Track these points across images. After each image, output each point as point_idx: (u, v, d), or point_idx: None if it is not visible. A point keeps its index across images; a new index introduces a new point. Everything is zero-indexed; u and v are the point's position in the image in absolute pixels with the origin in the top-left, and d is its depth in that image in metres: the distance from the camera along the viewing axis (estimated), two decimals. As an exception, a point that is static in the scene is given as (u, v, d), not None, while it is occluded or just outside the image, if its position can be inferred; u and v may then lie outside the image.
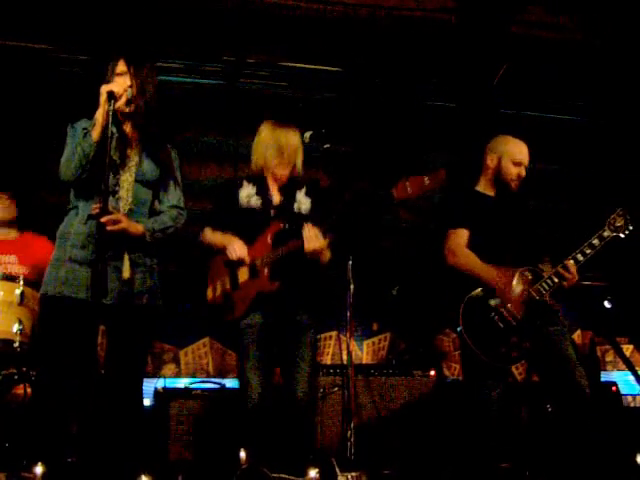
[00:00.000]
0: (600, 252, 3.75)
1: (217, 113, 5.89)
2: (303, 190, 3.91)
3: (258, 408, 3.59)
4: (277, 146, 3.83)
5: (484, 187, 4.03)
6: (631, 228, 3.74)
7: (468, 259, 3.78)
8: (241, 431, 3.77)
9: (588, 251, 3.74)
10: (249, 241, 3.76)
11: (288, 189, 3.90)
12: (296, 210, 3.85)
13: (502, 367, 3.71)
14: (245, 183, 3.89)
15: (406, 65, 5.59)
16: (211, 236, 3.88)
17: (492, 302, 3.70)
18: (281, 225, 3.73)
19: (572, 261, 3.73)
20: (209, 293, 3.88)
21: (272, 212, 3.83)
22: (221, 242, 3.81)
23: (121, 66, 3.26)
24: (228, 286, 3.79)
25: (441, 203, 4.15)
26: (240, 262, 3.73)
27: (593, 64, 5.57)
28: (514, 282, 3.73)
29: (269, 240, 3.72)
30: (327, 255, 3.73)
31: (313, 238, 3.57)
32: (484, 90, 5.91)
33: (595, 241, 3.74)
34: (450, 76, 5.82)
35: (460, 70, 5.73)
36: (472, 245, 3.82)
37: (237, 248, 3.72)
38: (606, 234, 3.75)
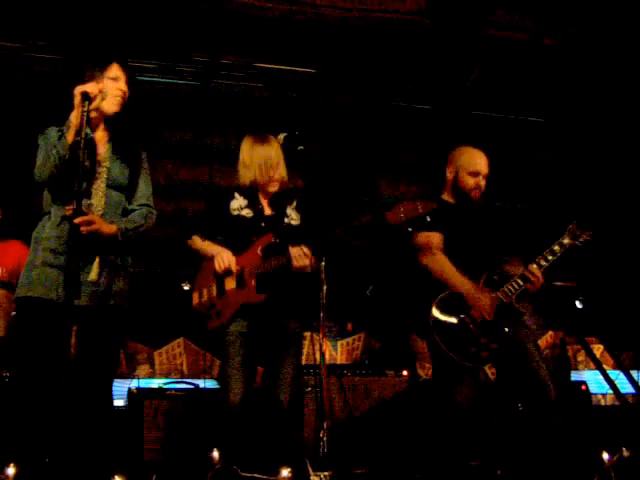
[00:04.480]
0: (568, 254, 3.83)
1: (191, 113, 5.90)
2: (293, 204, 3.98)
3: (237, 410, 3.61)
4: (259, 164, 3.87)
5: (447, 196, 4.11)
6: (587, 238, 3.83)
7: (446, 266, 3.82)
8: (216, 431, 3.78)
9: (550, 257, 3.82)
10: (238, 251, 3.79)
11: (278, 202, 3.96)
12: (286, 223, 3.91)
13: (472, 367, 3.76)
14: (236, 195, 3.92)
15: (379, 67, 5.62)
16: (200, 244, 3.92)
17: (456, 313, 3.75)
18: (272, 239, 3.77)
19: (535, 266, 3.80)
20: (195, 298, 3.90)
21: (263, 224, 3.87)
22: (210, 251, 3.85)
23: (115, 71, 3.30)
24: (214, 293, 3.81)
25: (419, 219, 4.19)
26: (228, 272, 3.76)
27: (562, 66, 5.64)
28: (482, 285, 3.79)
29: (259, 252, 3.75)
30: (314, 267, 3.75)
31: (301, 256, 3.63)
32: (459, 92, 5.96)
33: (556, 247, 3.82)
34: (425, 78, 5.86)
35: (435, 72, 5.77)
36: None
37: (225, 258, 3.75)
38: (566, 241, 3.83)
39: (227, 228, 3.89)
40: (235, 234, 3.85)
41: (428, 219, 4.00)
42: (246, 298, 3.71)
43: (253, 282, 3.71)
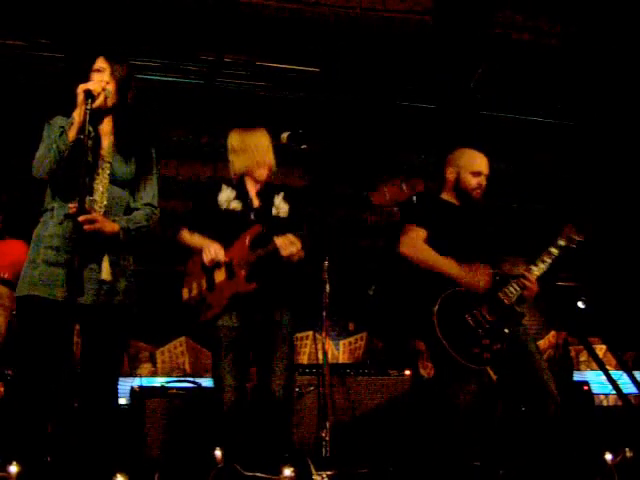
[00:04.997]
0: (570, 255, 3.86)
1: (195, 112, 5.89)
2: (281, 195, 3.96)
3: (232, 409, 3.60)
4: (248, 150, 3.89)
5: (447, 196, 4.10)
6: (580, 239, 3.89)
7: (428, 253, 3.80)
8: (216, 430, 3.78)
9: (544, 263, 3.85)
10: (227, 243, 3.77)
11: (266, 193, 3.94)
12: (274, 214, 3.89)
13: (475, 368, 3.75)
14: (224, 187, 3.91)
15: (384, 66, 5.62)
16: (189, 238, 3.90)
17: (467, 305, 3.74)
18: (260, 228, 3.76)
19: (532, 272, 3.83)
20: (184, 293, 3.89)
21: (252, 215, 3.86)
22: (199, 244, 3.83)
23: (99, 62, 3.27)
24: (204, 287, 3.79)
25: (407, 202, 4.20)
26: (217, 264, 3.75)
27: (564, 66, 5.64)
28: (481, 276, 3.79)
29: (247, 242, 3.73)
30: (301, 255, 3.77)
31: (287, 245, 3.64)
32: (462, 91, 5.95)
33: (552, 249, 3.87)
34: (428, 77, 5.85)
35: (438, 71, 5.76)
36: (434, 249, 3.86)
37: (213, 251, 3.74)
38: (562, 243, 3.88)
39: (215, 222, 3.87)
40: (224, 228, 3.83)
41: (414, 199, 4.03)
42: (236, 288, 3.70)
43: (242, 272, 3.70)
